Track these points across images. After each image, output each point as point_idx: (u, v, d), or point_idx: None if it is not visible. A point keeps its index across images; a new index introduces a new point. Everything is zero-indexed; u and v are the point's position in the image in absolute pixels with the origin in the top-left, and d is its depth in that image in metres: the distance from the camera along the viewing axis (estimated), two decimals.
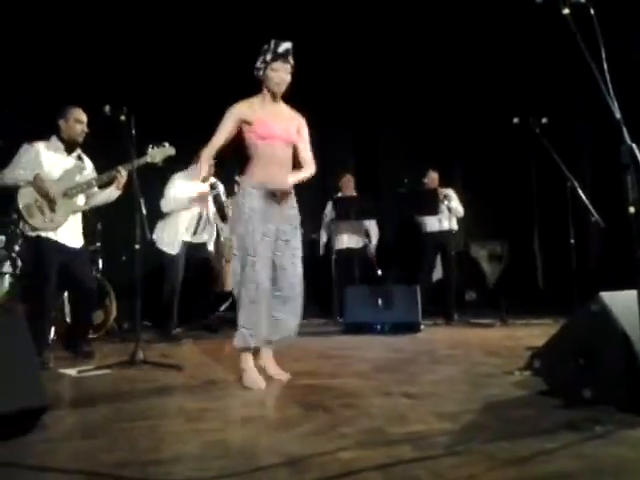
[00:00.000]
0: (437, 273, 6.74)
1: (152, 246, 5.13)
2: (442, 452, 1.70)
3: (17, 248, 4.89)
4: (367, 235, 6.78)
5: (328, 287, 6.67)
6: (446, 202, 6.27)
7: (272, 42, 3.03)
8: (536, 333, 4.63)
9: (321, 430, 2.00)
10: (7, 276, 5.05)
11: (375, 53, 7.53)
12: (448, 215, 6.35)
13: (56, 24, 6.21)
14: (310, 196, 7.48)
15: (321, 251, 6.93)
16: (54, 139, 4.00)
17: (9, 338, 2.10)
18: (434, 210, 6.20)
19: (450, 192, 6.50)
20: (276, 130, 3.06)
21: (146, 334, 4.99)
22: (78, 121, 3.99)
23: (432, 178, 6.56)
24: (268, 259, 2.98)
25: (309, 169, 3.30)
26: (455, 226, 6.49)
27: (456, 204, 6.47)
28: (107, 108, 3.69)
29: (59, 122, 4.00)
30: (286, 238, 3.08)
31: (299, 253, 3.14)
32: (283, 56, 3.02)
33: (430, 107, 7.70)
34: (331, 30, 7.22)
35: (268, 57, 3.02)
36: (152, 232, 5.10)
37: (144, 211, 3.93)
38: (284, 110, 3.20)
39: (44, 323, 3.86)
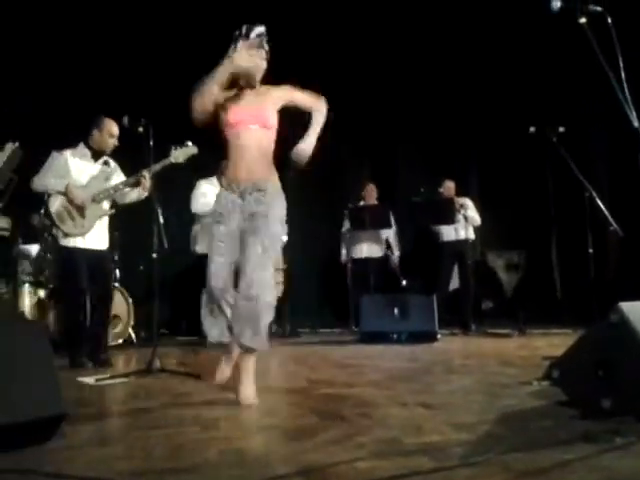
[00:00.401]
0: (454, 282, 6.72)
1: (175, 254, 5.19)
2: (458, 463, 1.69)
3: (48, 256, 5.01)
4: (388, 245, 6.78)
5: (344, 296, 6.67)
6: (462, 211, 6.25)
7: (244, 27, 2.78)
8: (554, 343, 4.59)
9: (337, 439, 1.99)
10: (26, 285, 5.14)
11: (391, 63, 7.55)
12: (465, 224, 6.33)
13: (78, 36, 6.32)
14: (326, 205, 7.53)
15: (342, 257, 6.95)
16: (81, 146, 4.13)
17: (29, 346, 2.13)
18: (450, 219, 6.19)
19: (467, 201, 6.48)
20: (244, 116, 2.78)
21: (163, 343, 5.01)
22: (111, 135, 4.12)
23: (448, 187, 6.55)
24: (222, 265, 2.81)
25: (318, 109, 2.98)
26: (472, 235, 6.47)
27: (473, 213, 6.45)
28: (125, 119, 3.77)
29: (93, 131, 4.12)
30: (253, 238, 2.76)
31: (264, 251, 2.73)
32: (257, 41, 2.77)
33: (446, 116, 7.69)
34: (346, 40, 7.25)
35: (239, 45, 2.77)
36: (169, 241, 5.17)
37: (161, 220, 3.98)
38: (259, 93, 2.88)
39: (77, 327, 4.02)
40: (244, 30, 2.78)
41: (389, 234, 6.82)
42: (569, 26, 2.64)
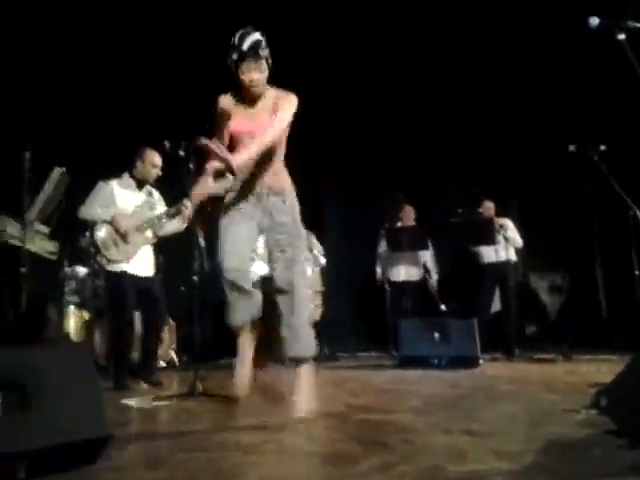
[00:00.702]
0: (495, 305, 6.61)
1: (213, 276, 5.25)
2: None
3: (97, 282, 5.15)
4: (425, 269, 6.72)
5: (380, 319, 6.63)
6: (502, 232, 6.17)
7: (237, 36, 2.69)
8: (601, 369, 4.46)
9: (378, 467, 1.97)
10: (72, 307, 5.27)
11: (428, 84, 7.56)
12: (505, 245, 6.24)
13: (121, 67, 6.53)
14: (362, 227, 7.52)
15: (378, 276, 6.92)
16: (126, 176, 4.31)
17: (75, 369, 2.17)
18: (490, 240, 6.11)
19: (507, 222, 6.40)
20: (247, 127, 2.76)
21: (205, 365, 5.05)
22: (153, 165, 4.29)
23: (487, 207, 6.47)
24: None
25: (268, 132, 2.74)
26: (513, 256, 6.37)
27: (513, 234, 6.36)
28: (167, 144, 3.87)
29: (136, 162, 4.29)
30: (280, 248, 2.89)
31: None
32: (251, 53, 2.67)
33: (484, 135, 7.64)
34: (378, 62, 7.31)
35: (234, 56, 2.70)
36: (211, 263, 5.25)
37: (202, 243, 4.04)
38: (263, 100, 2.82)
39: (123, 350, 4.16)
40: (237, 41, 2.69)
41: (426, 257, 6.76)
42: (608, 42, 2.61)
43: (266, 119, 2.78)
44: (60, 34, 6.23)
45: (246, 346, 3.05)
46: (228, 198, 2.88)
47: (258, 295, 3.02)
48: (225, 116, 2.83)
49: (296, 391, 2.84)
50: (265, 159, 2.83)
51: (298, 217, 2.96)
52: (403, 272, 6.71)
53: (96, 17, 6.35)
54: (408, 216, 6.85)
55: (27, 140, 3.84)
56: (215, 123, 2.88)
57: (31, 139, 3.85)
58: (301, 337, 2.84)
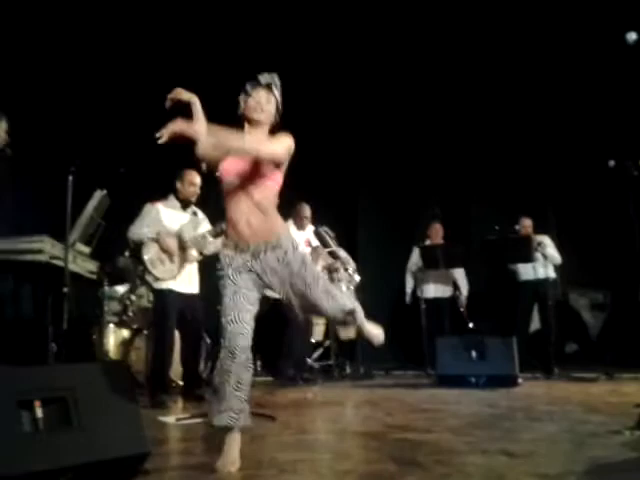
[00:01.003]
0: (534, 324, 6.48)
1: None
2: None
3: (135, 300, 5.27)
4: (455, 286, 6.65)
5: (414, 336, 6.56)
6: (540, 249, 6.06)
7: (258, 76, 2.66)
8: None
9: None
10: (111, 325, 5.37)
11: (467, 97, 7.53)
12: (544, 262, 6.13)
13: (158, 91, 6.70)
14: (396, 245, 7.49)
15: (407, 299, 6.87)
16: (171, 197, 4.50)
17: (114, 386, 2.22)
18: (528, 258, 6.02)
19: (545, 239, 6.29)
20: (237, 165, 2.50)
21: None
22: (192, 184, 4.46)
23: (525, 225, 6.38)
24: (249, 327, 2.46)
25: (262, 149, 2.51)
26: (552, 274, 6.25)
27: (552, 251, 6.25)
28: (204, 166, 3.96)
29: (177, 184, 4.48)
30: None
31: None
32: (265, 85, 2.62)
33: (522, 151, 7.56)
34: (415, 79, 7.34)
35: (248, 87, 2.63)
36: None
37: None
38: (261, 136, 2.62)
39: (163, 368, 4.27)
40: (253, 82, 2.64)
41: (457, 274, 6.68)
42: None
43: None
44: (102, 60, 6.45)
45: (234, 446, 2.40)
46: (223, 257, 2.52)
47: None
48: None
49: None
50: (255, 206, 2.50)
51: (295, 247, 2.59)
52: (433, 289, 6.63)
53: (138, 47, 6.55)
54: (437, 234, 6.79)
55: (70, 165, 3.96)
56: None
57: (74, 164, 3.97)
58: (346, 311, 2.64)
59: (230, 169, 2.53)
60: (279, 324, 5.54)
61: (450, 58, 7.28)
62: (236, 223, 2.49)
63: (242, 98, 2.64)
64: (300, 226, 5.74)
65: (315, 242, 5.53)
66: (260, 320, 5.56)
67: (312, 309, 2.68)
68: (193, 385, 4.48)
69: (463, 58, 7.28)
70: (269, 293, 5.41)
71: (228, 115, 2.67)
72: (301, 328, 5.66)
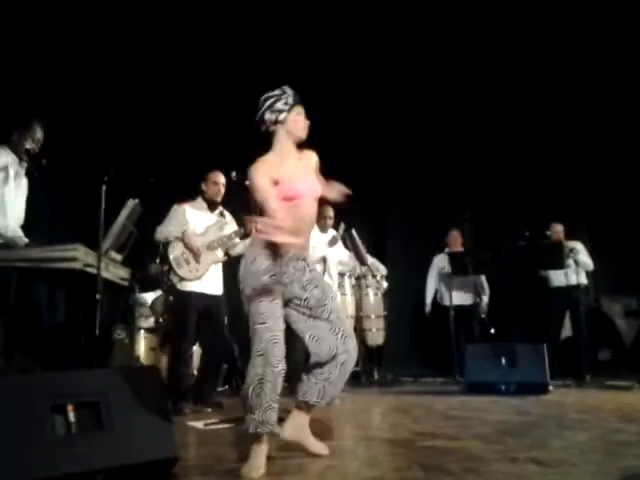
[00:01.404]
0: (566, 331, 6.37)
1: None
2: None
3: (170, 299, 5.29)
4: (477, 291, 6.57)
5: (441, 344, 6.51)
6: (572, 255, 5.97)
7: (284, 87, 2.73)
8: None
9: None
10: (142, 331, 5.46)
11: (501, 102, 7.48)
12: (575, 269, 6.03)
13: (186, 100, 6.82)
14: (426, 251, 7.45)
15: (427, 308, 6.82)
16: (199, 199, 4.58)
17: (146, 391, 2.26)
18: (559, 264, 5.93)
19: (578, 245, 6.20)
20: (302, 187, 2.64)
21: None
22: (215, 183, 4.52)
23: (557, 230, 6.28)
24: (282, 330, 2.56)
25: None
26: (584, 280, 6.15)
27: (584, 257, 6.16)
28: (234, 174, 4.04)
29: (202, 185, 4.56)
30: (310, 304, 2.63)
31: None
32: (300, 101, 2.72)
33: (552, 156, 7.47)
34: (448, 83, 7.31)
35: (290, 100, 2.68)
36: None
37: None
38: (301, 159, 2.76)
39: (181, 373, 4.25)
40: (287, 90, 2.72)
41: (479, 280, 6.60)
42: None
43: (315, 180, 2.73)
44: (133, 69, 6.58)
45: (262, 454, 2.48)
46: (260, 264, 2.55)
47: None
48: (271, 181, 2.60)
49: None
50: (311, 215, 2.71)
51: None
52: (455, 295, 6.57)
53: (167, 55, 6.67)
54: (456, 241, 6.73)
55: (104, 175, 4.04)
56: (265, 190, 2.58)
57: (108, 174, 4.05)
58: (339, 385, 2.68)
59: (303, 194, 2.62)
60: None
61: (481, 63, 7.24)
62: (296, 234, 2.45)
63: (285, 107, 2.66)
64: (322, 227, 5.57)
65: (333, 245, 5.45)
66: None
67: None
68: (212, 392, 4.45)
69: (494, 63, 7.23)
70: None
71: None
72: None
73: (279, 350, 2.45)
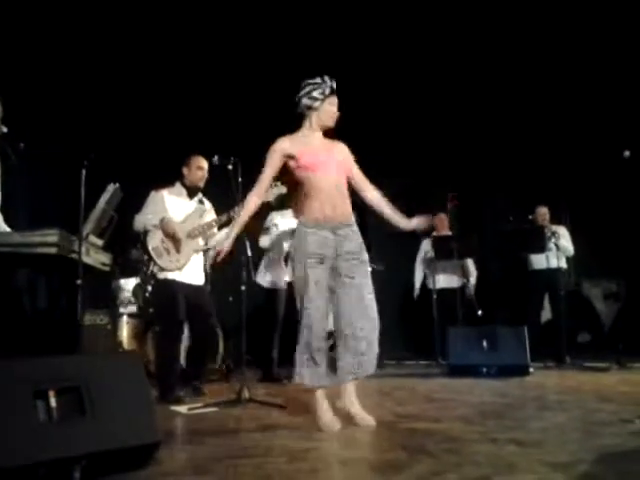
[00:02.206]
0: (546, 314, 6.45)
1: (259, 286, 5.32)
2: None
3: (149, 288, 5.26)
4: (464, 274, 6.61)
5: (426, 327, 6.56)
6: (553, 239, 6.03)
7: (324, 77, 3.04)
8: None
9: (424, 476, 1.96)
10: (125, 317, 5.43)
11: (477, 90, 7.48)
12: (556, 252, 6.09)
13: (171, 81, 6.74)
14: (408, 236, 7.47)
15: (415, 294, 6.85)
16: (178, 185, 4.37)
17: (128, 376, 2.25)
18: (540, 248, 5.99)
19: (561, 229, 6.26)
20: (324, 159, 3.01)
21: (250, 373, 5.10)
22: (199, 168, 4.32)
23: (541, 213, 6.31)
24: (325, 302, 2.95)
25: (376, 191, 3.25)
26: (564, 264, 6.22)
27: (565, 242, 6.21)
28: (216, 158, 3.96)
29: (183, 170, 4.35)
30: (350, 275, 2.99)
31: (367, 290, 3.02)
32: (335, 90, 3.06)
33: (534, 141, 7.51)
34: (421, 65, 7.28)
35: (327, 91, 3.02)
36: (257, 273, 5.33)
37: (249, 253, 4.11)
38: (327, 141, 3.16)
39: (171, 360, 4.12)
40: (326, 79, 3.04)
41: (466, 262, 6.64)
42: None
43: (340, 157, 3.12)
44: (111, 52, 6.47)
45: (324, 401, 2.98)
46: (308, 232, 2.96)
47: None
48: (286, 158, 3.04)
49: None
50: (343, 191, 3.06)
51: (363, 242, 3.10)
52: (442, 279, 6.61)
53: (146, 38, 6.56)
54: (442, 224, 6.76)
55: (83, 159, 3.96)
56: (268, 163, 3.07)
57: (87, 158, 3.97)
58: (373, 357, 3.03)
59: (329, 166, 3.03)
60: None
61: (466, 48, 7.21)
62: (327, 205, 2.99)
63: (320, 97, 3.02)
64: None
65: None
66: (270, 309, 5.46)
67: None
68: (197, 378, 4.33)
69: (479, 48, 7.20)
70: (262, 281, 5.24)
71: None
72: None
73: (322, 323, 2.91)
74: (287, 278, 5.36)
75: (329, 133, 3.17)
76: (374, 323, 3.00)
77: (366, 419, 2.94)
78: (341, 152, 3.15)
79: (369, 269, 3.10)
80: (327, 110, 3.05)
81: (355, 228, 3.08)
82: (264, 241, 5.37)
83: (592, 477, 1.91)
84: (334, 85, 3.04)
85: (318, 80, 3.03)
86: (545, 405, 3.45)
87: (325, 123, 3.08)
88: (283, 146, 3.04)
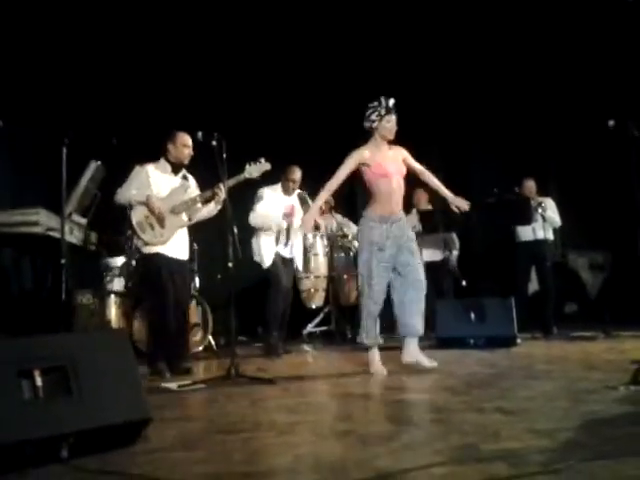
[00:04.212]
0: (533, 285, 6.49)
1: (250, 263, 5.29)
2: (538, 470, 1.64)
3: (133, 263, 5.22)
4: (447, 245, 6.60)
5: None
6: (540, 210, 6.04)
7: (382, 99, 3.82)
8: None
9: (412, 446, 1.98)
10: (112, 295, 5.40)
11: (464, 61, 7.41)
12: (543, 224, 6.11)
13: (155, 57, 6.62)
14: None
15: None
16: (162, 161, 4.31)
17: (114, 354, 2.24)
18: (526, 220, 6.00)
19: (548, 201, 6.26)
20: (391, 169, 3.84)
21: (242, 349, 5.11)
22: (185, 145, 4.26)
23: (528, 186, 6.30)
24: (385, 280, 3.79)
25: (428, 172, 4.12)
26: (551, 236, 6.24)
27: (552, 214, 6.21)
28: (200, 134, 3.91)
29: (168, 146, 4.27)
30: (405, 260, 3.81)
31: (419, 268, 3.86)
32: (393, 109, 3.83)
33: (520, 113, 7.48)
34: (409, 33, 7.21)
35: (382, 112, 3.80)
36: (250, 250, 5.32)
37: (236, 230, 4.08)
38: (391, 151, 3.95)
39: (164, 334, 4.10)
40: (383, 102, 3.82)
41: (449, 236, 6.63)
42: None
43: (401, 165, 3.94)
44: (97, 33, 6.34)
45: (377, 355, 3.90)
46: (372, 226, 3.82)
47: None
48: (360, 165, 3.87)
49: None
50: (402, 185, 3.92)
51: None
52: (424, 253, 6.59)
53: (127, 12, 6.43)
54: (421, 199, 6.72)
55: (64, 136, 3.90)
56: (345, 165, 3.89)
57: (68, 136, 3.91)
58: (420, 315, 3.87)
59: (392, 173, 3.86)
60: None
61: (453, 19, 7.12)
62: (389, 204, 3.86)
63: (377, 118, 3.84)
64: (286, 190, 5.48)
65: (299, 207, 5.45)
66: (262, 288, 5.49)
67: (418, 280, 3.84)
68: (180, 358, 4.22)
69: (466, 19, 7.12)
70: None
71: None
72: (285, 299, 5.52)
73: (381, 297, 3.82)
74: (286, 254, 5.37)
75: None
76: (422, 294, 3.81)
77: (432, 361, 3.78)
78: (400, 155, 3.97)
79: (417, 249, 3.97)
80: (385, 127, 3.84)
81: (404, 218, 3.98)
82: (254, 219, 5.33)
83: (577, 443, 1.93)
84: (390, 104, 3.81)
85: (375, 103, 3.83)
86: (532, 374, 3.48)
87: (385, 137, 3.87)
88: (363, 155, 3.85)
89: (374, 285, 3.76)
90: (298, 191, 5.47)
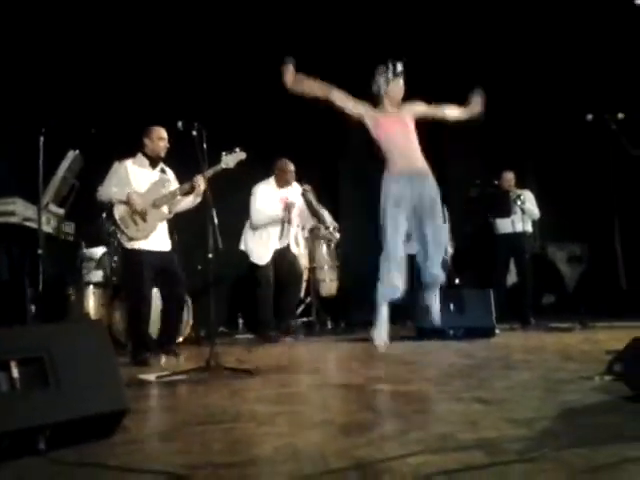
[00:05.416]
0: (512, 277, 6.56)
1: (236, 254, 5.32)
2: (514, 458, 1.66)
3: (115, 258, 5.21)
4: None
5: None
6: (519, 203, 6.10)
7: (390, 63, 4.03)
8: (618, 336, 4.41)
9: (391, 435, 1.99)
10: (91, 286, 5.34)
11: (441, 53, 7.43)
12: (522, 216, 6.17)
13: (134, 46, 6.53)
14: (372, 200, 7.49)
15: None
16: (139, 156, 4.37)
17: (92, 345, 2.22)
18: (506, 212, 6.06)
19: (527, 193, 6.32)
20: (395, 125, 4.03)
21: (221, 340, 5.11)
22: (161, 138, 4.35)
23: (507, 179, 6.37)
24: (399, 237, 3.99)
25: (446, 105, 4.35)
26: (529, 228, 6.31)
27: (531, 206, 6.28)
28: (180, 124, 3.88)
29: (144, 140, 4.35)
30: (425, 214, 4.02)
31: (441, 229, 4.15)
32: (400, 74, 4.03)
33: (499, 106, 7.51)
34: (394, 22, 7.20)
35: (390, 75, 4.02)
36: (240, 242, 5.36)
37: (216, 221, 4.06)
38: (400, 110, 4.13)
39: (143, 326, 4.22)
40: (391, 66, 4.01)
41: None
42: (627, 8, 2.55)
43: (408, 119, 4.13)
44: (74, 20, 6.23)
45: (386, 315, 4.15)
46: (387, 180, 4.01)
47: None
48: (367, 114, 4.10)
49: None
50: (414, 140, 4.14)
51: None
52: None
53: (109, 4, 6.34)
54: None
55: (41, 126, 3.85)
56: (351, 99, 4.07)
57: (45, 125, 3.86)
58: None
59: (399, 130, 4.13)
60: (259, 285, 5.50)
61: (436, 9, 7.13)
62: (404, 157, 4.09)
63: (383, 81, 4.04)
64: (281, 182, 5.54)
65: (294, 201, 5.50)
66: (242, 280, 5.59)
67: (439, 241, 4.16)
68: (171, 340, 4.45)
69: (449, 11, 7.13)
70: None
71: None
72: (291, 289, 5.62)
73: (398, 252, 4.05)
74: (277, 246, 5.42)
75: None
76: (442, 248, 4.17)
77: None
78: (408, 112, 4.15)
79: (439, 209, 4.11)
80: (392, 89, 4.06)
81: (430, 176, 4.13)
82: (257, 220, 5.43)
83: (552, 431, 1.96)
84: (398, 68, 4.00)
85: (383, 67, 4.03)
86: (510, 365, 3.52)
87: (392, 99, 4.08)
88: (369, 109, 4.08)
89: (389, 241, 3.97)
90: (302, 188, 5.55)
